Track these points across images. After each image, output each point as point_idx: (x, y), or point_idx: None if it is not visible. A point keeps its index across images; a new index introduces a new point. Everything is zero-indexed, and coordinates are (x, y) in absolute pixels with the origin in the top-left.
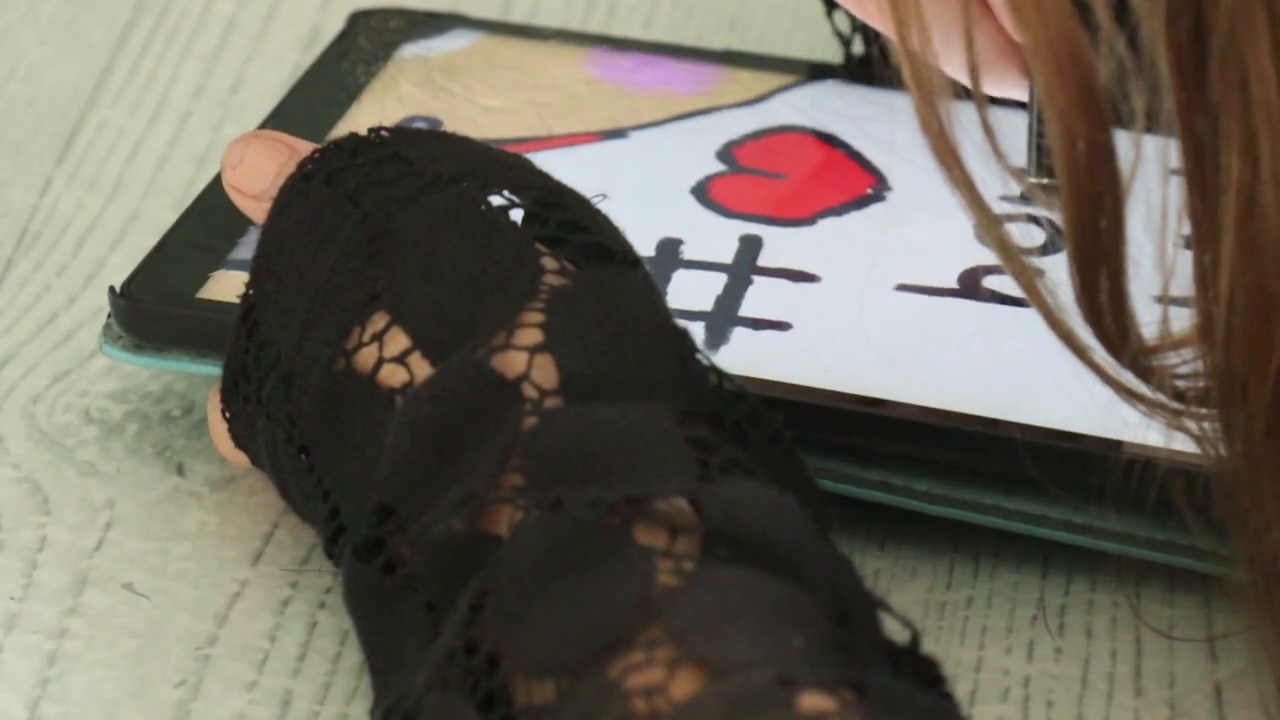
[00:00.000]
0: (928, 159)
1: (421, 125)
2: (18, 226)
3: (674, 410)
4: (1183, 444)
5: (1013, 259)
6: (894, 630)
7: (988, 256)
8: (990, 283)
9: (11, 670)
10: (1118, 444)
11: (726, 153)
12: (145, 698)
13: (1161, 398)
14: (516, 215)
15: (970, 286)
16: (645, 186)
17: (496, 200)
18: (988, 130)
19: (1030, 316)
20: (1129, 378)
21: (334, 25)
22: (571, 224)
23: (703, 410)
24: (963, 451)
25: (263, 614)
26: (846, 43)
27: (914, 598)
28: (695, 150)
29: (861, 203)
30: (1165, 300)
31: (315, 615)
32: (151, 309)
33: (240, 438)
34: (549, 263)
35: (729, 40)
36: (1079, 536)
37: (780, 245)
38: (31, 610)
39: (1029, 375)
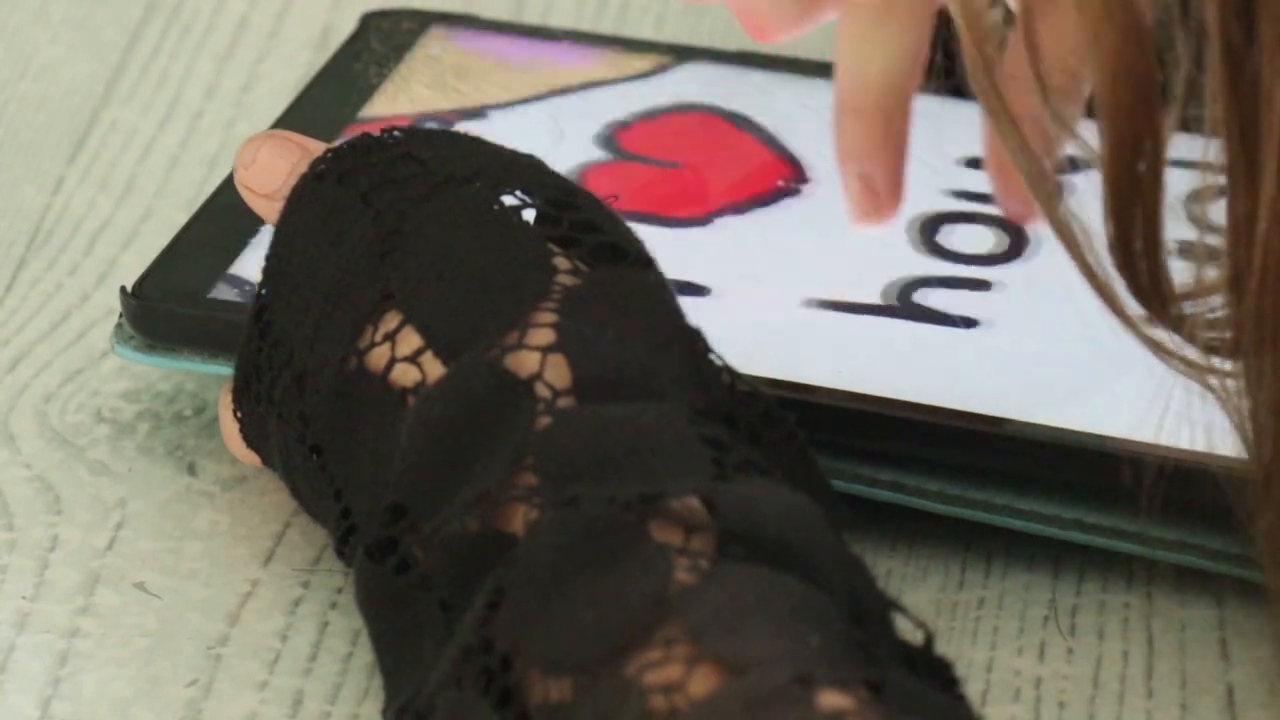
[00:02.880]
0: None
1: (433, 125)
2: (30, 226)
3: (688, 410)
4: (1201, 443)
5: (1048, 200)
6: (907, 631)
7: (923, 267)
8: (924, 298)
9: (23, 669)
10: (1131, 444)
11: (610, 137)
12: (157, 697)
13: (1188, 351)
14: (529, 215)
15: (901, 303)
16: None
17: (509, 200)
18: (1032, 52)
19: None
20: (1156, 330)
21: (346, 25)
22: (584, 224)
23: (716, 410)
24: (975, 452)
25: (274, 614)
26: None
27: (925, 598)
28: (569, 134)
29: (770, 198)
30: (1200, 248)
31: (327, 615)
32: (163, 309)
33: (252, 437)
34: (561, 263)
35: (742, 42)
36: (1091, 537)
37: (667, 251)
38: (43, 609)
39: (1043, 375)
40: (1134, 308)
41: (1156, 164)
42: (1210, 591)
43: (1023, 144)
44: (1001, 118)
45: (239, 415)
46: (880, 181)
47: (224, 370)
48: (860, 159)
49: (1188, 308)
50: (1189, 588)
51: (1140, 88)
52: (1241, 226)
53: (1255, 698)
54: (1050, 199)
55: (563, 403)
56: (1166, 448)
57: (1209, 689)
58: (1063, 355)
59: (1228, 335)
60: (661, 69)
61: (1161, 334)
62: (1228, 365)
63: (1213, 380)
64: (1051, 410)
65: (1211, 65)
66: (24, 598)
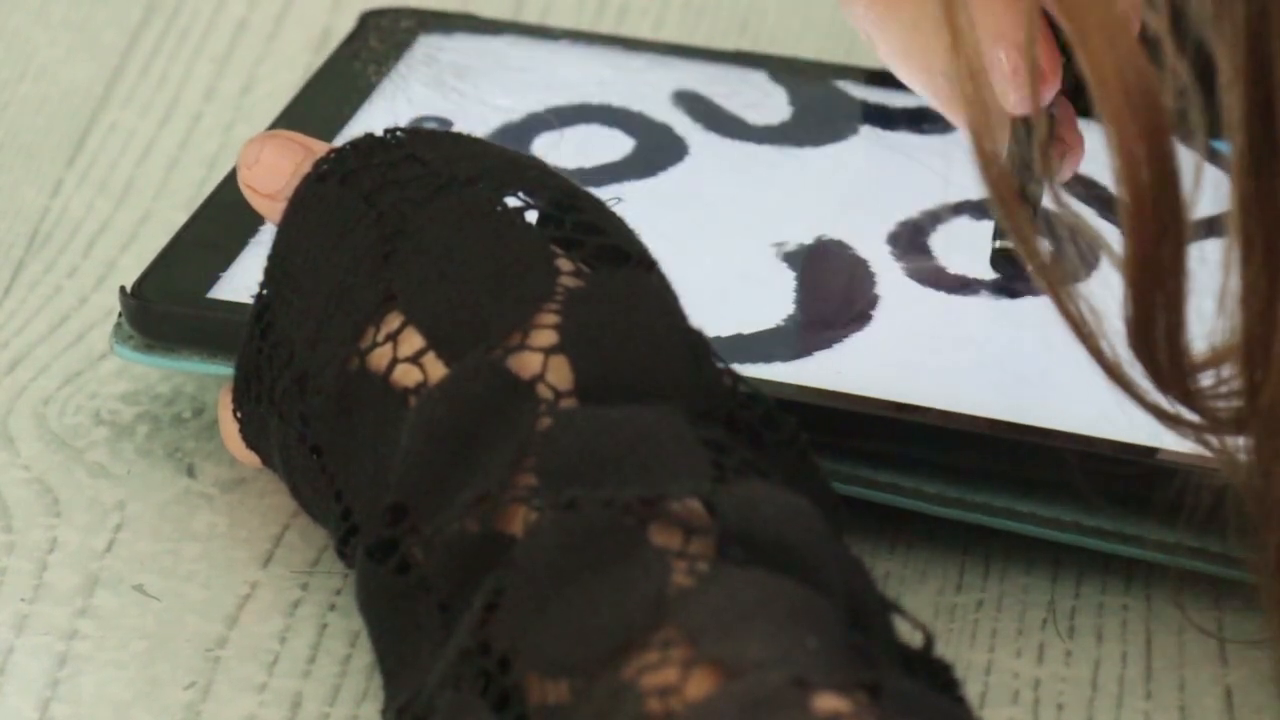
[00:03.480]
0: None
1: (432, 126)
2: (29, 228)
3: (689, 412)
4: (1197, 449)
5: (1057, 285)
6: (906, 633)
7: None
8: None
9: (22, 671)
10: (1130, 447)
11: None
12: (155, 699)
13: (1199, 420)
14: (532, 217)
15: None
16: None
17: (512, 201)
18: (1043, 141)
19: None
20: (1165, 401)
21: (345, 26)
22: (587, 226)
23: (717, 412)
24: (973, 454)
25: (273, 616)
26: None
27: (924, 600)
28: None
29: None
30: (1218, 321)
31: (325, 617)
32: (162, 309)
33: (252, 438)
34: (564, 264)
35: (740, 42)
36: (1089, 539)
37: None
38: (42, 611)
39: (1040, 378)
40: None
41: (1179, 254)
42: (1208, 594)
43: (1025, 232)
44: (1009, 205)
45: (239, 415)
46: (1039, 54)
47: (223, 370)
48: (1006, 37)
49: (1201, 380)
50: (1187, 590)
51: (1162, 176)
52: (1250, 297)
53: (1253, 700)
54: (1058, 283)
55: (565, 404)
56: (1168, 451)
57: (1207, 691)
58: (1061, 358)
59: (1234, 404)
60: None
61: (1163, 400)
62: (1239, 440)
63: (1217, 445)
64: (1051, 413)
65: (1234, 170)
66: (23, 600)
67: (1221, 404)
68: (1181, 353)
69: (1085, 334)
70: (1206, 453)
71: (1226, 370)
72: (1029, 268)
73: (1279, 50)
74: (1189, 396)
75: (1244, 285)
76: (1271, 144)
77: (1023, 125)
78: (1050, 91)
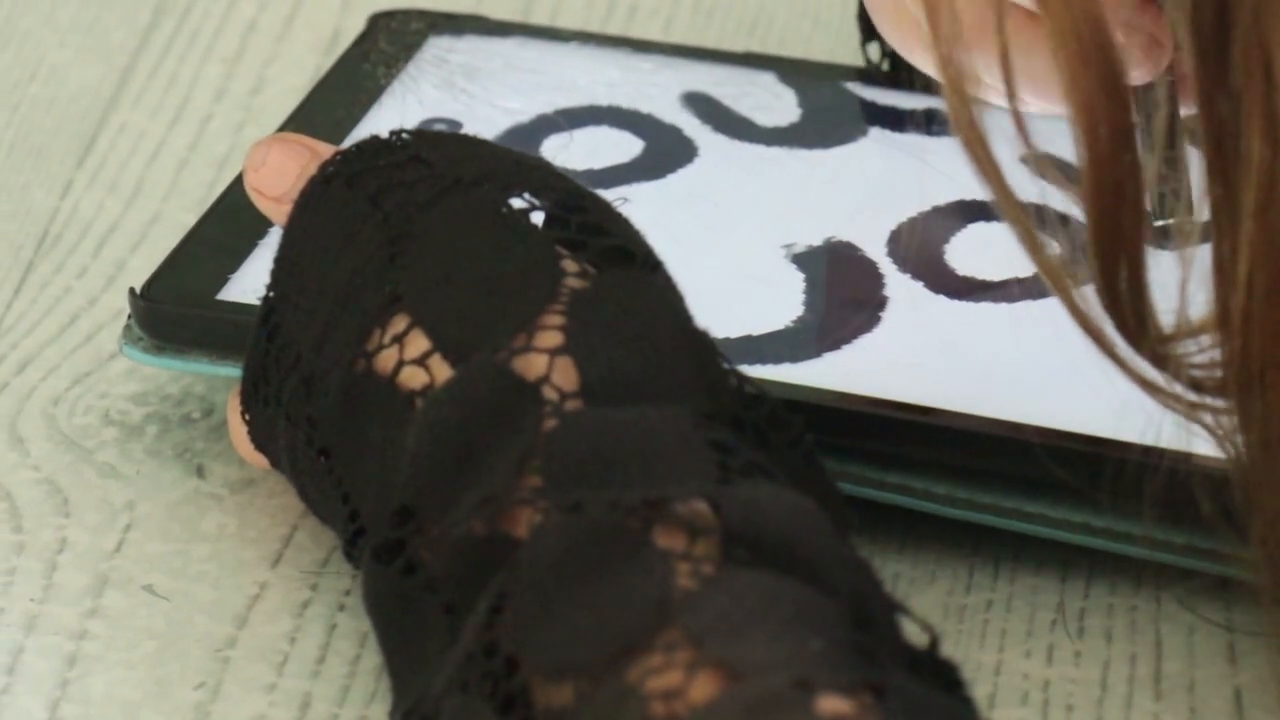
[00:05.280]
0: None
1: (441, 127)
2: (39, 229)
3: (694, 413)
4: (1203, 447)
5: (1037, 249)
6: (913, 634)
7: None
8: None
9: (32, 671)
10: (1138, 448)
11: None
12: (165, 699)
13: (1178, 388)
14: (537, 218)
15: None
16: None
17: (517, 203)
18: (1017, 118)
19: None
20: (1148, 369)
21: (354, 28)
22: (592, 227)
23: (723, 413)
24: (982, 455)
25: (282, 616)
26: (876, 69)
27: (933, 601)
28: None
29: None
30: (1183, 289)
31: (334, 617)
32: (171, 310)
33: (260, 440)
34: (569, 265)
35: (749, 43)
36: (1098, 540)
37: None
38: (52, 612)
39: (1049, 379)
40: (1124, 348)
41: (1138, 208)
42: (1218, 595)
43: (1004, 189)
44: (984, 163)
45: (247, 417)
46: (1146, 23)
47: (232, 372)
48: (1119, 11)
49: (1178, 347)
50: (1196, 591)
51: (1118, 132)
52: (1226, 266)
53: (1263, 701)
54: (1036, 243)
55: (570, 405)
56: (1175, 451)
57: (1217, 692)
58: (1070, 359)
59: (1217, 374)
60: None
61: (1152, 372)
62: (1219, 402)
63: (1205, 417)
64: (1059, 415)
65: (1191, 108)
66: (32, 600)
67: (1201, 373)
68: (1145, 306)
69: (1066, 295)
70: (1205, 445)
71: (1205, 339)
72: (1015, 233)
73: None
74: (1160, 359)
75: (1216, 253)
76: (1222, 64)
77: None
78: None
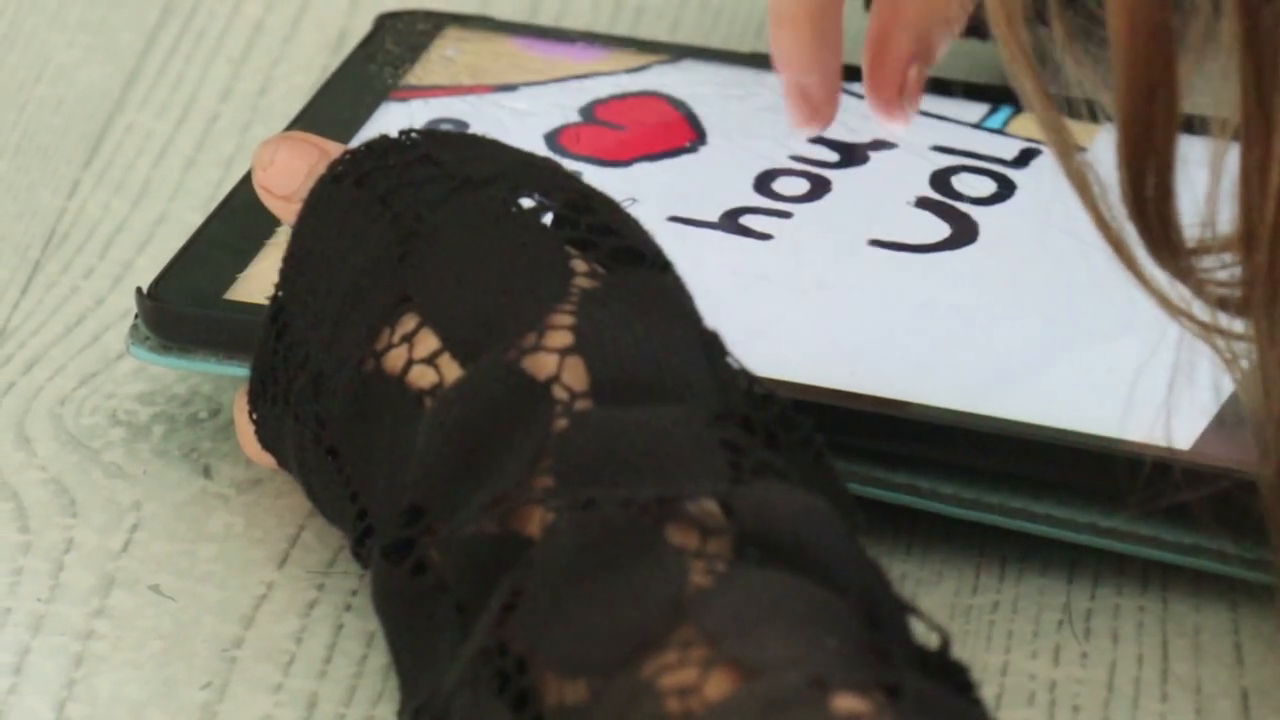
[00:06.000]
0: (747, 124)
1: (448, 128)
2: (45, 228)
3: (705, 412)
4: (1208, 449)
5: (1065, 151)
6: (923, 635)
7: (750, 200)
8: (747, 221)
9: (38, 671)
10: (1145, 447)
11: (589, 108)
12: (172, 699)
13: (1196, 308)
14: (547, 218)
15: (729, 223)
16: (508, 131)
17: (527, 203)
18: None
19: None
20: (1166, 285)
21: (362, 29)
22: (601, 227)
23: (733, 413)
24: (990, 455)
25: (289, 616)
26: None
27: (940, 601)
28: (564, 105)
29: (676, 153)
30: (1211, 201)
31: (341, 618)
32: (179, 310)
33: (267, 440)
34: (579, 265)
35: (756, 44)
36: (1105, 540)
37: (595, 181)
38: (58, 612)
39: (1057, 379)
40: (1146, 263)
41: (1171, 112)
42: (1225, 596)
43: (1039, 91)
44: (1020, 64)
45: (254, 417)
46: (815, 89)
47: (239, 372)
48: (794, 68)
49: (1200, 263)
50: (1203, 591)
51: (1156, 36)
52: (1254, 178)
53: (1270, 702)
54: (1066, 148)
55: (580, 405)
56: (1181, 451)
57: (1224, 693)
58: (1079, 359)
59: (1239, 292)
60: (641, 68)
61: (1171, 291)
62: (1236, 325)
63: (1219, 341)
64: (1066, 414)
65: (1228, 14)
66: (39, 600)
67: (1223, 290)
68: (1171, 215)
69: (1091, 203)
70: (1237, 460)
71: (1228, 256)
72: (1045, 135)
73: None
74: (1183, 272)
75: (1244, 165)
76: None
77: None
78: None
